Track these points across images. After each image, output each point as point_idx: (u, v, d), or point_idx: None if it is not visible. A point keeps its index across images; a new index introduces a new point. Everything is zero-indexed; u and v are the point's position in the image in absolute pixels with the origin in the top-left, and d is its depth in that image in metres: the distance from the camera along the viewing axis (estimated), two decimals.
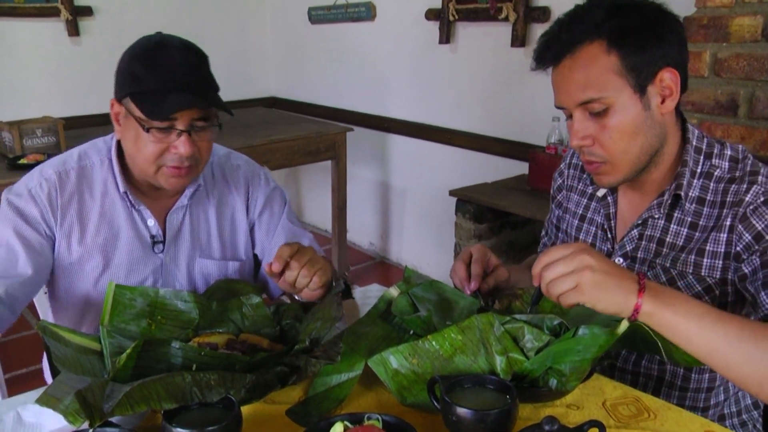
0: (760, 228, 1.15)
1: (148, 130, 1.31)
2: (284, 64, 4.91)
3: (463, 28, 3.52)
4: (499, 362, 1.09)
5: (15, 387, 1.98)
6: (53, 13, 3.86)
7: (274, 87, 5.05)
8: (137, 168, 1.40)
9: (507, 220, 3.06)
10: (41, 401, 0.95)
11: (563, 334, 1.12)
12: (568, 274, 1.01)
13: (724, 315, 1.02)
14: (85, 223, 1.42)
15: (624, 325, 1.04)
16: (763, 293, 1.13)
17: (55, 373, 1.10)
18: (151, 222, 1.47)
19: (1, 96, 3.78)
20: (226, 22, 4.65)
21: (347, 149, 3.80)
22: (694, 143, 1.26)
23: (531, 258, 1.71)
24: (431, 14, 3.62)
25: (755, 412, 1.38)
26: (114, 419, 1.01)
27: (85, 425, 0.93)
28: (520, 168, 3.22)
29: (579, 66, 1.17)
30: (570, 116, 1.23)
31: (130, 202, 1.44)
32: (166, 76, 1.31)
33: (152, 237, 1.47)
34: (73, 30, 3.96)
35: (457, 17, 3.46)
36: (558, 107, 1.24)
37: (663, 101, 1.19)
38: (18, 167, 2.78)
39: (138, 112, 1.31)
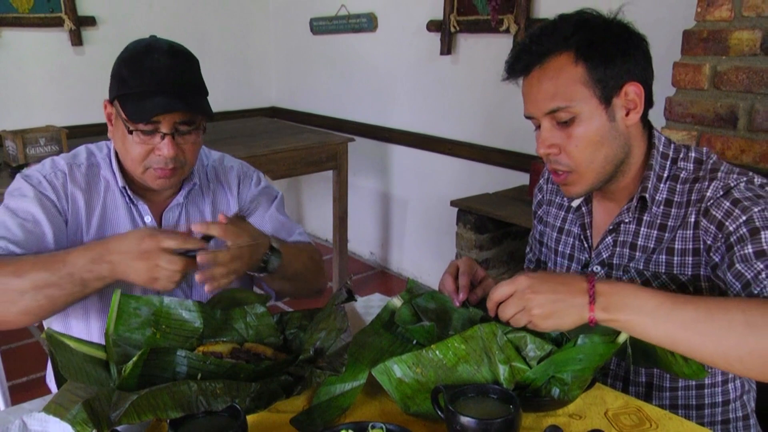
0: (719, 217, 1.19)
1: (132, 132, 1.37)
2: (286, 74, 4.94)
3: (465, 40, 3.54)
4: (503, 371, 1.10)
5: (18, 395, 1.99)
6: (57, 23, 3.89)
7: (276, 97, 5.08)
8: (127, 167, 1.46)
9: (508, 230, 3.07)
10: (48, 410, 0.96)
11: (565, 343, 1.14)
12: (519, 311, 1.08)
13: (679, 301, 1.05)
14: (90, 218, 1.46)
15: (624, 336, 1.07)
16: (729, 273, 1.15)
17: (60, 381, 1.10)
18: (149, 219, 1.51)
19: (5, 105, 3.81)
20: (229, 33, 4.68)
21: (348, 159, 3.82)
22: (660, 149, 1.30)
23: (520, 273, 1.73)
24: (433, 25, 3.64)
25: (752, 420, 1.38)
26: (119, 428, 1.02)
27: None
28: (521, 179, 3.24)
29: (547, 76, 1.21)
30: (538, 126, 1.28)
31: (129, 197, 1.48)
32: (149, 80, 1.35)
33: None
34: (77, 40, 3.98)
35: (458, 29, 3.49)
36: (527, 117, 1.30)
37: (627, 114, 1.23)
38: None
39: (123, 114, 1.37)
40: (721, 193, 1.20)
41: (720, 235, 1.19)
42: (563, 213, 1.51)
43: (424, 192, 4.02)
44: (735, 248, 1.15)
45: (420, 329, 1.26)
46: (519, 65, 1.26)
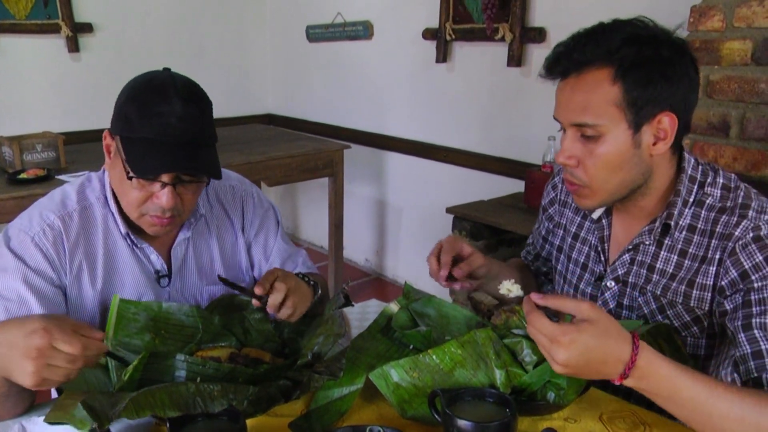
0: (747, 266, 1.16)
1: (131, 179, 1.26)
2: (282, 81, 4.96)
3: (460, 48, 3.57)
4: (499, 376, 1.11)
5: None
6: (54, 29, 3.89)
7: (272, 104, 5.09)
8: (123, 208, 1.35)
9: (503, 237, 3.08)
10: (50, 419, 0.97)
11: None
12: (549, 359, 1.03)
13: (714, 393, 1.01)
14: (93, 263, 1.35)
15: None
16: (742, 334, 1.14)
17: (59, 389, 1.11)
18: (155, 257, 1.42)
19: (1, 111, 3.81)
20: (225, 40, 4.70)
21: (344, 166, 3.83)
22: (689, 172, 1.26)
23: (514, 261, 1.74)
24: (428, 34, 3.67)
25: None
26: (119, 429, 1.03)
27: None
28: (516, 186, 3.26)
29: (582, 88, 1.17)
30: (563, 130, 1.25)
31: (132, 241, 1.39)
32: (158, 129, 1.22)
33: (157, 272, 1.43)
34: (74, 46, 3.99)
35: (454, 37, 3.51)
36: (555, 118, 1.26)
37: (655, 143, 1.19)
38: (18, 182, 2.79)
39: (123, 156, 1.26)
40: (751, 236, 1.17)
41: (740, 286, 1.16)
42: (579, 218, 1.47)
43: (420, 199, 4.03)
44: (754, 309, 1.13)
45: (417, 334, 1.27)
46: (558, 68, 1.21)
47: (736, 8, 2.09)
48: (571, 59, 1.18)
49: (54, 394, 1.28)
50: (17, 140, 2.96)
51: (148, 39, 4.28)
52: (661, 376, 1.01)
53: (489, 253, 3.04)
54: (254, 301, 1.29)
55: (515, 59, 3.23)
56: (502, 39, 3.23)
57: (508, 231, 2.89)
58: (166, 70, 1.31)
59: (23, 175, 2.82)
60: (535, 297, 1.04)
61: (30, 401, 1.20)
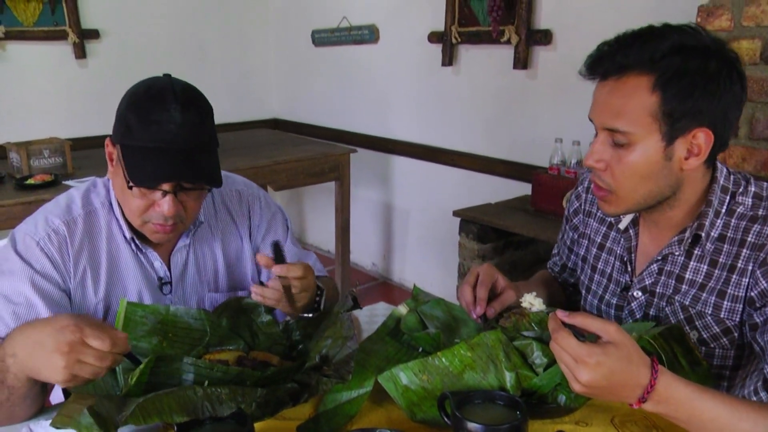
0: None
1: (131, 188, 1.26)
2: (288, 86, 4.96)
3: (466, 51, 3.56)
4: (509, 378, 1.10)
5: None
6: (61, 36, 3.91)
7: (278, 109, 5.09)
8: (126, 215, 1.35)
9: (510, 240, 3.07)
10: (56, 423, 0.96)
11: None
12: (570, 378, 1.02)
13: (735, 416, 0.99)
14: (97, 269, 1.36)
15: None
16: None
17: (67, 393, 1.10)
18: (158, 264, 1.42)
19: (9, 117, 3.82)
20: (230, 45, 4.70)
21: (351, 170, 3.83)
22: (721, 182, 1.23)
23: (540, 274, 1.72)
24: (434, 37, 3.66)
25: None
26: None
27: None
28: (523, 189, 3.25)
29: (619, 92, 1.14)
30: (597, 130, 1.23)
31: (137, 246, 1.39)
32: (157, 136, 1.21)
33: (160, 279, 1.43)
34: (80, 52, 4.00)
35: (459, 40, 3.51)
36: (589, 119, 1.23)
37: (688, 158, 1.16)
38: (25, 188, 2.80)
39: (123, 165, 1.26)
40: None
41: None
42: (604, 228, 1.45)
43: (426, 203, 4.02)
44: None
45: (426, 336, 1.26)
46: (599, 69, 1.17)
47: (745, 7, 2.07)
48: (613, 61, 1.15)
49: (61, 397, 1.28)
50: (24, 146, 2.97)
51: (154, 45, 4.29)
52: (679, 400, 1.00)
53: (496, 257, 3.04)
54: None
55: (521, 62, 3.22)
56: (508, 41, 3.22)
57: (516, 233, 2.88)
58: (167, 76, 1.29)
59: (30, 181, 2.84)
60: (561, 314, 1.03)
61: (42, 403, 1.20)
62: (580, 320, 1.02)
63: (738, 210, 1.22)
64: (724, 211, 1.23)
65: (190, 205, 1.32)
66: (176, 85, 1.26)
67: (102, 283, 1.36)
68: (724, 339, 1.24)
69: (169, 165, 1.23)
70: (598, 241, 1.46)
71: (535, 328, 1.25)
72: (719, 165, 1.25)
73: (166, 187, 1.25)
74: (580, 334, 1.02)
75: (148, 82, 1.28)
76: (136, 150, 1.24)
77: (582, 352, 0.98)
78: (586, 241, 1.50)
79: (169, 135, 1.21)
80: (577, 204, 1.54)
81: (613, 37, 1.17)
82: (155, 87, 1.25)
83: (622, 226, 1.38)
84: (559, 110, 3.09)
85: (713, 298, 1.23)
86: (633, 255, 1.37)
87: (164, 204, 1.26)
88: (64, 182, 2.86)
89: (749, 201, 1.22)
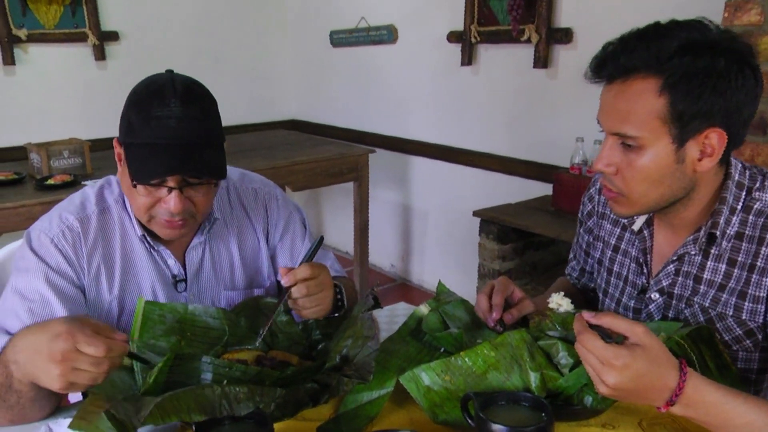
0: None
1: (135, 186, 1.25)
2: (305, 87, 4.96)
3: (485, 50, 3.53)
4: (534, 379, 1.07)
5: None
6: (81, 38, 3.94)
7: (295, 110, 5.09)
8: (135, 213, 1.35)
9: (531, 240, 3.04)
10: (74, 426, 0.96)
11: None
12: (596, 381, 0.99)
13: (766, 428, 0.97)
14: (111, 267, 1.36)
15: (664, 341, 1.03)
16: None
17: (85, 392, 1.09)
18: (172, 261, 1.41)
19: (30, 118, 3.85)
20: (248, 46, 4.71)
21: (369, 171, 3.82)
22: (736, 178, 1.19)
23: (558, 282, 1.69)
24: (453, 37, 3.64)
25: None
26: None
27: None
28: (544, 189, 3.21)
29: (625, 96, 1.10)
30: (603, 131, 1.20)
31: (149, 243, 1.38)
32: (157, 132, 1.20)
33: (174, 276, 1.42)
34: (100, 54, 4.03)
35: (479, 39, 3.48)
36: (598, 121, 1.19)
37: (701, 159, 1.12)
38: (45, 188, 2.81)
39: (128, 165, 1.26)
40: None
41: None
42: (618, 230, 1.42)
43: (446, 203, 4.00)
44: None
45: (448, 336, 1.24)
46: (603, 72, 1.13)
47: None
48: (617, 64, 1.10)
49: (79, 396, 1.27)
50: (45, 147, 2.99)
51: (172, 46, 4.30)
52: (710, 404, 0.98)
53: (516, 257, 3.01)
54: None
55: (541, 61, 3.18)
56: (528, 40, 3.19)
57: (536, 234, 2.85)
58: (169, 72, 1.29)
59: (50, 181, 2.85)
60: (587, 315, 1.01)
61: (57, 402, 1.19)
62: (608, 321, 1.00)
63: (755, 206, 1.18)
64: (740, 207, 1.19)
65: (199, 200, 1.30)
66: (177, 80, 1.25)
67: (116, 281, 1.36)
68: (748, 341, 1.21)
69: (171, 160, 1.21)
70: (613, 243, 1.43)
71: (558, 329, 1.22)
72: (733, 161, 1.21)
73: (171, 183, 1.24)
74: (607, 336, 1.00)
75: (150, 78, 1.28)
76: (138, 147, 1.23)
77: (609, 355, 0.96)
78: (601, 244, 1.47)
79: (169, 130, 1.20)
80: (590, 206, 1.51)
81: (618, 37, 1.13)
82: (156, 83, 1.25)
83: (636, 227, 1.35)
84: (580, 109, 3.05)
85: (734, 299, 1.20)
86: (648, 256, 1.34)
87: (170, 201, 1.25)
88: (83, 183, 2.87)
89: (766, 197, 1.19)
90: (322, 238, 1.33)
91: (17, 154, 3.43)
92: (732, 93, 1.07)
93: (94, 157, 3.17)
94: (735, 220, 1.19)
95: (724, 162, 1.19)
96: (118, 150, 1.31)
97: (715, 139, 1.10)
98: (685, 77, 1.05)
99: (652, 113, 1.08)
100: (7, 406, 1.12)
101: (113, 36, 4.08)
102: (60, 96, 3.98)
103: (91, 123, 3.99)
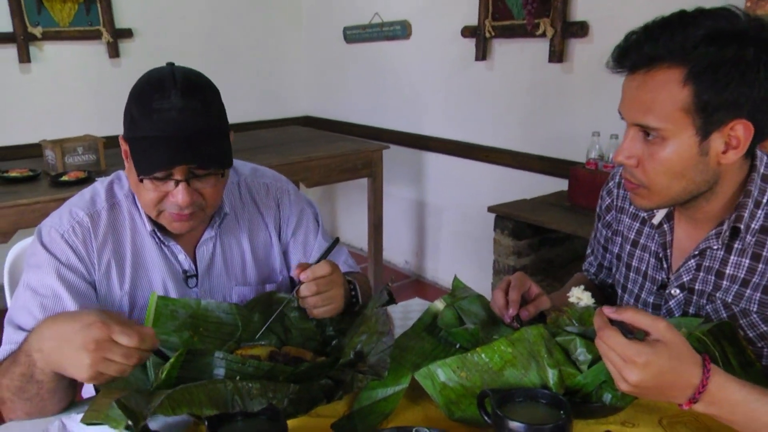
0: None
1: (141, 180, 1.24)
2: (319, 83, 4.95)
3: (500, 45, 3.50)
4: (552, 375, 1.05)
5: None
6: (95, 35, 3.96)
7: (310, 106, 5.09)
8: (143, 209, 1.34)
9: (546, 236, 3.01)
10: (86, 419, 0.95)
11: None
12: (617, 378, 0.97)
13: None
14: (122, 262, 1.35)
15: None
16: None
17: (97, 387, 1.09)
18: (182, 257, 1.40)
19: (45, 115, 3.88)
20: (261, 43, 4.71)
21: (383, 167, 3.80)
22: (761, 171, 1.16)
23: (574, 279, 1.66)
24: (467, 31, 3.61)
25: None
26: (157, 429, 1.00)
27: None
28: (559, 185, 3.18)
29: (648, 87, 1.08)
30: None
31: (159, 239, 1.37)
32: (157, 125, 1.19)
33: (185, 272, 1.41)
34: (114, 52, 4.05)
35: (493, 34, 3.45)
36: (619, 112, 1.17)
37: (725, 151, 1.09)
38: (60, 184, 2.82)
39: (132, 160, 1.25)
40: None
41: None
42: (638, 225, 1.38)
43: (460, 199, 3.98)
44: None
45: (464, 332, 1.22)
46: (626, 62, 1.10)
47: None
48: (641, 53, 1.08)
49: (92, 391, 1.27)
50: (59, 143, 3.00)
51: (185, 43, 4.31)
52: (734, 402, 0.95)
53: (532, 253, 2.98)
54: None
55: (557, 55, 3.15)
56: (543, 34, 3.15)
57: (552, 229, 2.82)
58: (169, 64, 1.27)
59: (65, 178, 2.87)
60: (607, 310, 0.98)
61: (73, 396, 1.19)
62: (629, 316, 0.97)
63: None
64: (765, 201, 1.16)
65: (207, 191, 1.28)
66: (177, 72, 1.23)
67: (127, 276, 1.35)
68: None
69: (173, 151, 1.20)
70: (632, 237, 1.40)
71: (576, 324, 1.20)
72: (759, 153, 1.18)
73: (177, 176, 1.23)
74: (628, 331, 0.97)
75: (150, 72, 1.26)
76: (141, 141, 1.22)
77: (630, 351, 0.93)
78: (620, 239, 1.44)
79: (170, 122, 1.19)
80: (609, 200, 1.48)
81: (642, 25, 1.10)
82: (156, 76, 1.24)
83: (656, 221, 1.32)
84: (597, 103, 3.01)
85: (758, 294, 1.17)
86: (668, 251, 1.31)
87: (178, 194, 1.24)
88: (97, 179, 2.87)
89: None
90: (337, 239, 1.32)
91: (32, 151, 3.45)
92: (761, 83, 1.03)
93: (108, 153, 3.17)
94: (760, 213, 1.16)
95: (749, 154, 1.16)
96: (124, 147, 1.29)
97: (740, 130, 1.07)
98: (710, 67, 1.02)
99: (676, 104, 1.06)
100: (25, 398, 1.12)
101: (127, 33, 4.09)
102: (74, 93, 4.00)
103: (105, 120, 4.00)
